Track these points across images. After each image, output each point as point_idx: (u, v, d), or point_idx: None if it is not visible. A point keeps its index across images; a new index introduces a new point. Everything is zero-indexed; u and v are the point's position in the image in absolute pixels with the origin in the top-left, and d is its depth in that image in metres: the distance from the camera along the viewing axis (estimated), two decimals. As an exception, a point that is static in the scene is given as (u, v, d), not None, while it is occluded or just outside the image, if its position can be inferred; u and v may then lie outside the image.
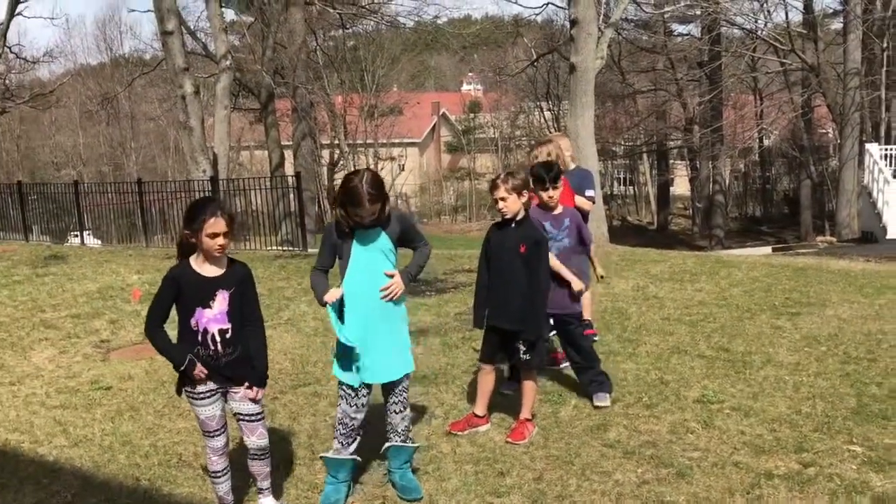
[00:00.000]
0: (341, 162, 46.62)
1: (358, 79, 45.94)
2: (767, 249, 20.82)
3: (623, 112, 43.14)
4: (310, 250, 13.03)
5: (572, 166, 6.70)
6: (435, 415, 5.30)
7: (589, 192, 6.47)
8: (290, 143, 25.16)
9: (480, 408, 5.06)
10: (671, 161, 44.68)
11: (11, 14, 24.23)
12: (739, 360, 6.20)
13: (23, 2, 24.48)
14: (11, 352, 7.29)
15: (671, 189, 45.38)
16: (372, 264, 4.12)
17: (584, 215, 6.21)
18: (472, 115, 51.28)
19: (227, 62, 16.87)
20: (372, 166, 48.04)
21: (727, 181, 40.50)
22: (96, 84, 42.79)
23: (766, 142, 41.83)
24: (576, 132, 12.22)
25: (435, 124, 55.93)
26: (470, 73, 64.78)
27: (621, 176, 52.71)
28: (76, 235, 17.14)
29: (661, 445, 4.65)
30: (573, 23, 12.13)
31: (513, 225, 4.74)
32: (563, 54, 25.00)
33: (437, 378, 5.99)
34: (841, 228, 22.91)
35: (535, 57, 27.66)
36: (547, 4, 27.45)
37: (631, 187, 52.78)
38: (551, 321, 5.33)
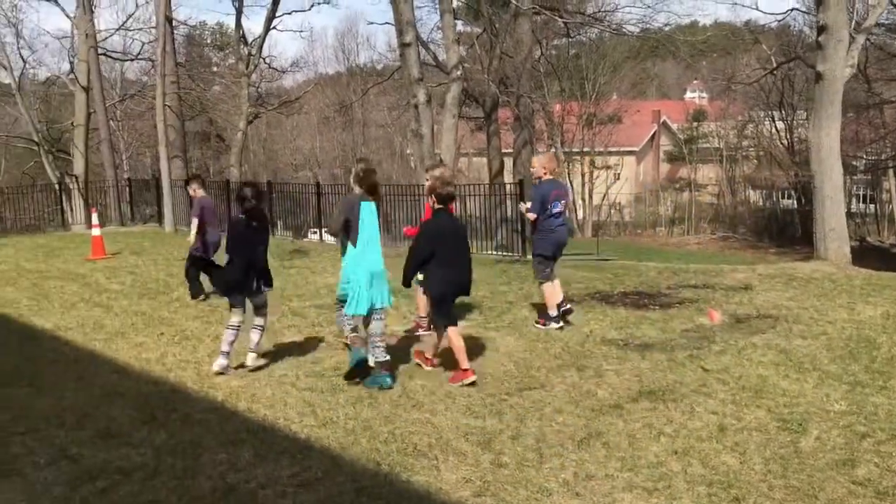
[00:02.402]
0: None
1: (578, 87, 45.83)
2: None
3: (867, 123, 39.49)
4: (528, 256, 13.21)
5: (540, 181, 8.14)
6: (664, 432, 5.20)
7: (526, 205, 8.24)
8: (509, 150, 25.61)
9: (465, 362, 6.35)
10: (922, 178, 40.22)
11: (267, 28, 26.74)
12: None
13: (277, 17, 26.93)
14: (271, 335, 8.04)
15: (921, 208, 40.86)
16: None
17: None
18: (695, 124, 49.26)
19: (458, 72, 17.50)
20: (587, 174, 47.72)
21: None
22: (333, 92, 46.08)
23: None
24: (819, 144, 11.41)
25: (654, 133, 54.43)
26: (695, 81, 62.41)
27: (861, 192, 48.27)
28: (315, 232, 18.51)
29: (921, 490, 4.26)
30: (821, 29, 11.33)
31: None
32: (806, 62, 23.41)
33: (665, 395, 5.87)
34: None
35: (774, 65, 26.11)
36: (791, 10, 25.80)
37: (872, 205, 48.15)
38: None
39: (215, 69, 43.03)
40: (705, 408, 5.59)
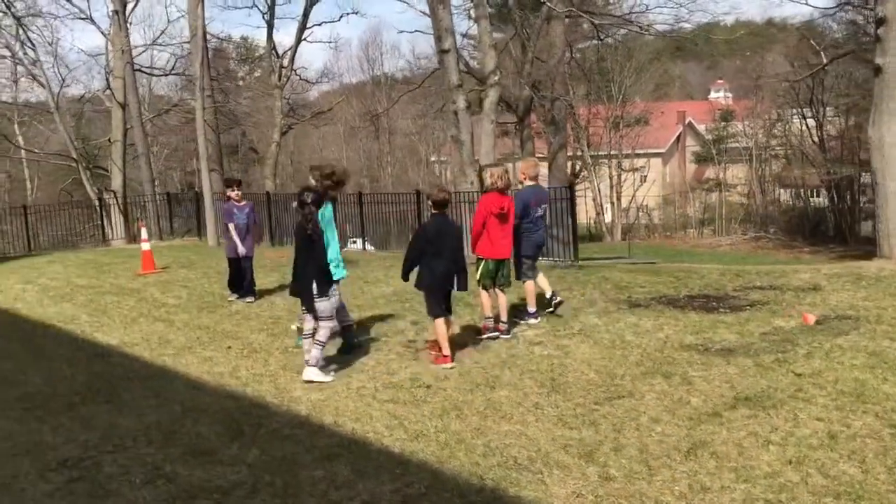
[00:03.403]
0: (583, 173, 46.52)
1: (604, 89, 45.61)
2: None
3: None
4: (580, 262, 13.04)
5: (522, 186, 8.52)
6: (772, 441, 5.02)
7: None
8: (539, 155, 25.45)
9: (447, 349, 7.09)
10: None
11: (298, 40, 26.81)
12: None
13: (307, 28, 26.99)
14: (332, 346, 7.93)
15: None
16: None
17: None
18: (723, 124, 48.78)
19: (496, 78, 17.40)
20: (614, 177, 47.47)
21: None
22: (359, 102, 46.18)
23: None
24: (881, 141, 11.15)
25: (680, 134, 54.04)
26: (719, 80, 61.99)
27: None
28: (354, 242, 18.43)
29: None
30: (880, 21, 11.10)
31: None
32: (863, 56, 23.22)
33: (763, 401, 5.69)
34: None
35: (825, 61, 25.90)
36: (844, 4, 25.52)
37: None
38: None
39: (241, 83, 43.29)
40: (808, 414, 5.41)
